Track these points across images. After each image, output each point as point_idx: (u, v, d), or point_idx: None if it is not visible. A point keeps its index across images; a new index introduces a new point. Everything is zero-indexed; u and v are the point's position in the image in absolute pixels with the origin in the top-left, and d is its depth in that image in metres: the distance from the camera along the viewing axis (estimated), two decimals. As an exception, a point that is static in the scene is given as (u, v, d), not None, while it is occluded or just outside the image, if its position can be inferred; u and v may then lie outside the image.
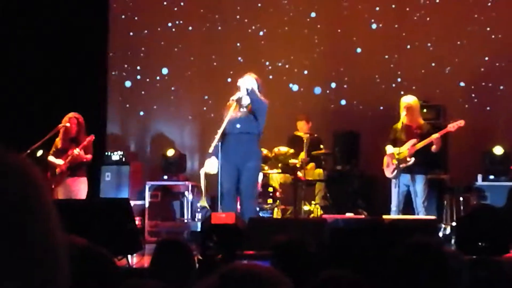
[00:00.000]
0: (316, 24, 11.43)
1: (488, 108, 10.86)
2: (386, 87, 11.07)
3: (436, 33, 11.08)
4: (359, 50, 11.27)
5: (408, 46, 11.17)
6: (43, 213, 0.94)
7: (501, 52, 10.86)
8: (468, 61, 10.95)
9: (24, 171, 0.95)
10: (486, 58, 10.91)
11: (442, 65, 11.03)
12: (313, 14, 11.44)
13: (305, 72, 11.44)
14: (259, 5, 11.60)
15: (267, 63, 11.47)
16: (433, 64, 11.02)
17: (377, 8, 11.27)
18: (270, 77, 11.21)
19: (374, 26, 11.27)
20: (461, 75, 10.97)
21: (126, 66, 11.93)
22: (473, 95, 10.94)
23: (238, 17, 11.68)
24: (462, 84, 10.97)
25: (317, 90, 11.38)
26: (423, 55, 11.07)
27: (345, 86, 11.33)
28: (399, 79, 11.11)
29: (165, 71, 11.79)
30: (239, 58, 11.49)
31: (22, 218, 0.92)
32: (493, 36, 10.91)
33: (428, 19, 11.13)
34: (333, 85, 11.35)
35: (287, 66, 11.47)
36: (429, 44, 11.08)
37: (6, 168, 0.94)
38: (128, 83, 11.90)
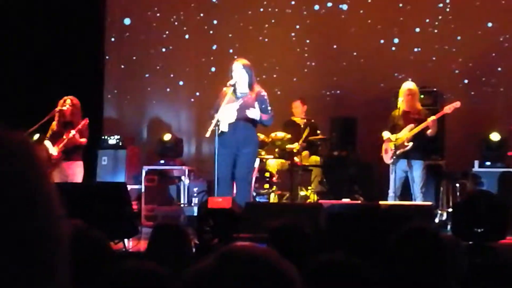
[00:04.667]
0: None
1: (485, 94, 10.85)
2: (383, 73, 11.05)
3: (433, 19, 11.06)
4: (353, 29, 11.26)
5: (406, 32, 11.14)
6: (45, 192, 0.94)
7: (497, 38, 10.85)
8: (465, 47, 10.93)
9: (26, 151, 0.95)
10: (483, 45, 10.90)
11: (439, 51, 11.01)
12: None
13: (306, 54, 11.44)
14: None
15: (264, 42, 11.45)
16: (430, 50, 11.01)
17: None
18: (266, 65, 11.19)
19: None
20: (458, 62, 10.96)
21: (122, 50, 11.89)
22: (470, 81, 10.93)
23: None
24: (458, 70, 10.96)
25: (314, 75, 11.36)
26: (421, 40, 11.05)
27: (342, 72, 11.31)
28: (396, 65, 11.09)
29: (162, 56, 11.76)
30: (237, 45, 11.47)
31: (25, 197, 0.91)
32: (489, 24, 10.89)
33: (426, 4, 11.11)
34: (330, 71, 11.34)
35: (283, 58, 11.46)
36: (427, 30, 11.06)
37: (9, 147, 0.93)
38: (124, 67, 11.87)
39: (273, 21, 11.48)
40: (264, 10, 11.53)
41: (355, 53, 11.21)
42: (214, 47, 11.58)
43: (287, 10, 11.47)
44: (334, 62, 11.31)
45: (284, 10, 11.47)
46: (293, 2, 11.48)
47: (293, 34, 11.45)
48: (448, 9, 11.04)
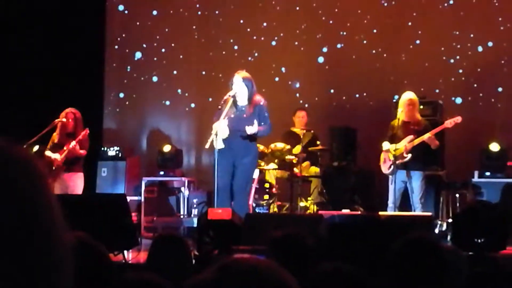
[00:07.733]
0: (309, 20, 11.43)
1: (484, 104, 10.86)
2: (383, 83, 11.05)
3: (433, 30, 11.08)
4: (353, 54, 11.28)
5: (406, 42, 11.15)
6: (48, 204, 0.94)
7: (497, 49, 10.86)
8: (464, 58, 10.95)
9: (28, 163, 0.95)
10: (483, 56, 10.90)
11: (438, 62, 11.02)
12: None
13: (302, 72, 11.46)
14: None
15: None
16: (430, 61, 11.02)
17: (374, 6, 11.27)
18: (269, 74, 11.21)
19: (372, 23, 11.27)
20: (458, 72, 10.96)
21: (122, 61, 11.91)
22: (469, 91, 10.94)
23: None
24: (459, 82, 10.97)
25: (314, 85, 11.37)
26: (421, 51, 11.06)
27: (341, 82, 11.32)
28: (396, 75, 11.09)
29: (161, 68, 11.78)
30: (235, 54, 11.50)
31: (29, 209, 0.91)
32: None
33: (426, 16, 11.12)
34: (329, 80, 11.35)
35: (284, 68, 11.47)
36: (426, 41, 11.07)
37: (12, 160, 0.93)
38: (124, 78, 11.89)
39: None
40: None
41: (355, 63, 11.21)
42: (213, 59, 11.60)
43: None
44: (334, 71, 11.33)
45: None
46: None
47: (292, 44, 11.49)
48: (449, 22, 11.05)
